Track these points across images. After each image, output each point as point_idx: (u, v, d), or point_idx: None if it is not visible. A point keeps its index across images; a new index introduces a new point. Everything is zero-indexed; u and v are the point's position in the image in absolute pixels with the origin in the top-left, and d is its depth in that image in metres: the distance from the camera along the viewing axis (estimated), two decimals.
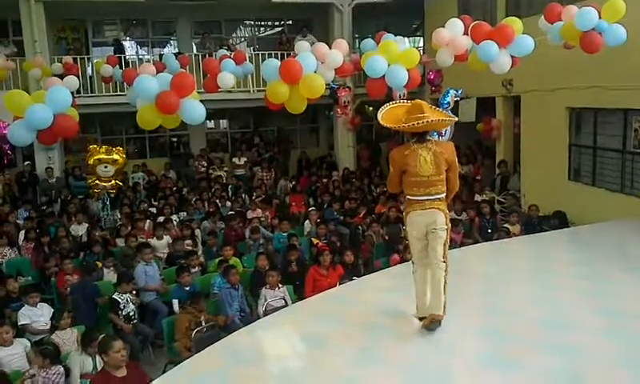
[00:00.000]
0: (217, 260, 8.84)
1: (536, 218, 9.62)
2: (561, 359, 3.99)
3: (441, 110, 4.61)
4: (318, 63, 7.27)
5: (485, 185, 12.35)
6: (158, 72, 8.06)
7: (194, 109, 6.07)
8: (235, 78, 9.07)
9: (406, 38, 8.86)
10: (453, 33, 8.00)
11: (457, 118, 4.51)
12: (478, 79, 9.48)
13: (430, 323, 4.40)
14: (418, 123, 4.16)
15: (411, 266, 4.70)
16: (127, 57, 15.80)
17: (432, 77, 11.70)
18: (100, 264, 8.61)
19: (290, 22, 18.47)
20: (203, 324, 6.66)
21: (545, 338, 4.32)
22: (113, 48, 15.45)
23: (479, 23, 7.60)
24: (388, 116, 4.38)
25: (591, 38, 7.24)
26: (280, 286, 7.55)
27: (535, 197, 11.09)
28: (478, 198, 11.49)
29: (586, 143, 10.11)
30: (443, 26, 8.29)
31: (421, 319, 4.61)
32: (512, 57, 7.54)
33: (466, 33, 8.12)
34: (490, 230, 9.67)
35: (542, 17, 8.03)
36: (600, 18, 7.11)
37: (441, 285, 4.36)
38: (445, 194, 4.42)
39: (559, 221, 9.12)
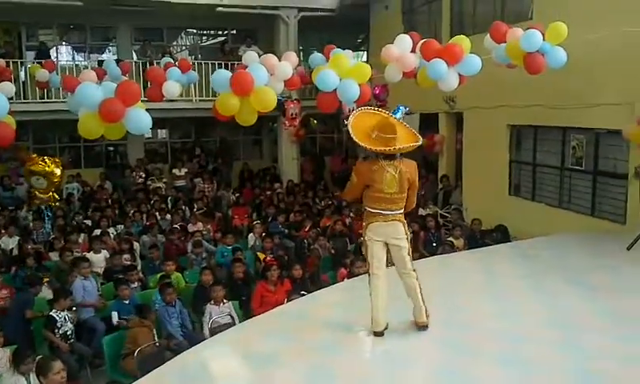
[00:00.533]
0: (158, 275, 8.51)
1: (479, 232, 9.79)
2: (517, 371, 4.01)
3: (407, 126, 4.57)
4: (268, 76, 7.13)
5: (428, 199, 12.51)
6: (98, 79, 7.73)
7: (139, 118, 5.79)
8: (180, 87, 8.80)
9: (350, 52, 8.84)
10: (401, 49, 8.05)
11: (421, 141, 4.49)
12: (421, 95, 9.59)
13: (419, 329, 4.55)
14: (388, 149, 4.20)
15: (367, 277, 4.63)
16: (62, 62, 15.22)
17: (378, 92, 11.79)
18: (46, 278, 8.13)
19: (234, 32, 18.28)
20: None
21: (499, 350, 4.34)
22: (36, 52, 14.84)
23: (429, 40, 7.66)
24: (357, 128, 4.33)
25: (534, 59, 7.43)
26: (225, 301, 7.34)
27: (477, 211, 11.31)
28: (421, 212, 11.60)
29: (526, 160, 10.40)
30: (388, 41, 8.34)
31: (376, 334, 4.57)
32: (459, 75, 7.65)
33: (414, 50, 8.21)
34: (434, 244, 9.76)
35: (488, 36, 8.19)
36: (544, 39, 7.31)
37: (418, 293, 4.46)
38: (402, 210, 4.44)
39: (501, 234, 9.30)
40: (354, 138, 4.29)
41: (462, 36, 7.77)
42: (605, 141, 8.68)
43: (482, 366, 4.10)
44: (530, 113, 9.66)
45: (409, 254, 4.47)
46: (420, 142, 4.42)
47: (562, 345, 4.37)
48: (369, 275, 4.61)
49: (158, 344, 6.38)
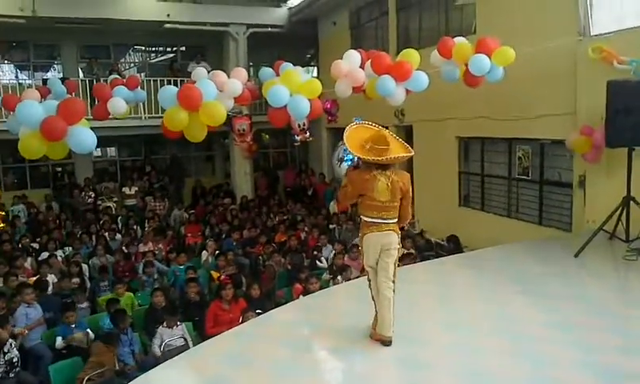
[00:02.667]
0: (106, 297, 8.26)
1: (434, 243, 9.91)
2: None
3: (399, 140, 4.65)
4: (217, 91, 7.07)
5: None
6: (42, 97, 7.51)
7: (83, 136, 5.64)
8: (127, 105, 8.64)
9: (300, 68, 8.88)
10: (350, 65, 8.13)
11: (412, 152, 4.63)
12: (371, 109, 9.66)
13: (382, 344, 4.55)
14: (380, 159, 4.34)
15: (369, 285, 4.74)
16: (5, 81, 14.71)
17: (328, 106, 11.84)
18: None
19: (183, 49, 18.11)
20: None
21: (455, 363, 4.35)
22: None
23: (379, 54, 7.75)
24: (352, 140, 4.47)
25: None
26: (178, 323, 7.18)
27: (428, 222, 11.49)
28: None
29: (475, 171, 10.62)
30: (337, 57, 8.41)
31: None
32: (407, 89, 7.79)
33: (362, 65, 8.31)
34: None
35: (435, 51, 8.36)
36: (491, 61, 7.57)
37: (390, 306, 4.48)
38: (397, 220, 4.55)
39: (454, 245, 9.44)
40: (348, 148, 4.46)
41: (411, 50, 7.90)
42: (550, 151, 8.95)
43: (439, 381, 4.11)
44: (478, 125, 9.89)
45: (395, 263, 4.58)
46: (411, 154, 4.58)
47: (515, 354, 4.43)
48: (368, 280, 4.75)
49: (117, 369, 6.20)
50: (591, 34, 7.92)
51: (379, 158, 4.35)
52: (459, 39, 8.22)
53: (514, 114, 9.00)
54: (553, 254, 7.26)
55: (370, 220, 4.51)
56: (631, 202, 6.88)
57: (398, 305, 4.61)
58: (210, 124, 6.56)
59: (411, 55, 7.72)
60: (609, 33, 7.69)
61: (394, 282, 4.54)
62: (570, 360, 4.26)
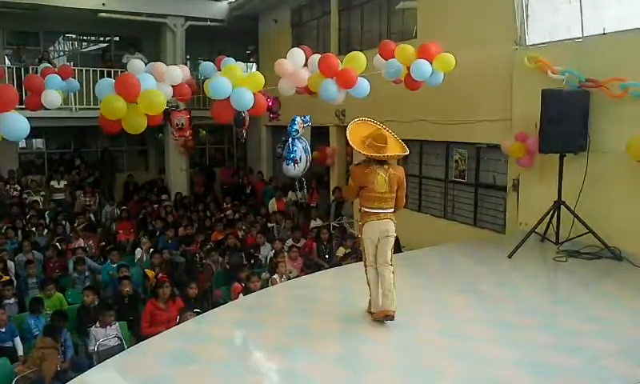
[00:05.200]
0: (33, 297, 7.86)
1: None
2: (412, 383, 4.08)
3: (396, 138, 5.02)
4: (155, 81, 6.87)
5: (321, 211, 12.62)
6: None
7: (16, 123, 5.31)
8: (60, 97, 8.25)
9: (241, 63, 8.77)
10: (295, 64, 8.09)
11: (408, 151, 5.06)
12: (312, 108, 9.70)
13: (385, 318, 4.91)
14: (378, 155, 4.78)
15: (365, 269, 5.11)
16: None
17: (270, 103, 11.76)
18: None
19: (117, 39, 17.52)
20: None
21: (398, 363, 4.40)
22: None
23: (329, 57, 7.72)
24: (354, 136, 4.90)
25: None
26: (112, 323, 6.93)
27: None
28: (313, 224, 11.69)
29: (413, 172, 10.79)
30: (278, 54, 8.35)
31: (371, 314, 5.08)
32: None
33: (306, 63, 8.28)
34: (327, 256, 9.86)
35: (377, 54, 8.45)
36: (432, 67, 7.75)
37: (391, 284, 4.89)
38: (393, 209, 4.98)
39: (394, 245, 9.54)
40: (350, 143, 4.88)
41: (358, 54, 7.92)
42: (485, 155, 9.22)
43: (378, 378, 4.14)
44: (416, 127, 10.06)
45: (391, 249, 5.00)
46: (407, 153, 5.06)
47: (453, 353, 4.52)
48: (365, 267, 5.13)
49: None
50: (527, 43, 8.22)
51: (377, 155, 4.78)
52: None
53: (452, 118, 9.23)
54: (487, 255, 7.49)
55: (370, 210, 4.91)
56: (562, 206, 7.19)
57: (337, 303, 4.90)
58: (149, 112, 6.33)
59: (357, 59, 7.73)
60: (543, 43, 8.01)
61: (392, 264, 4.97)
62: (504, 358, 4.39)
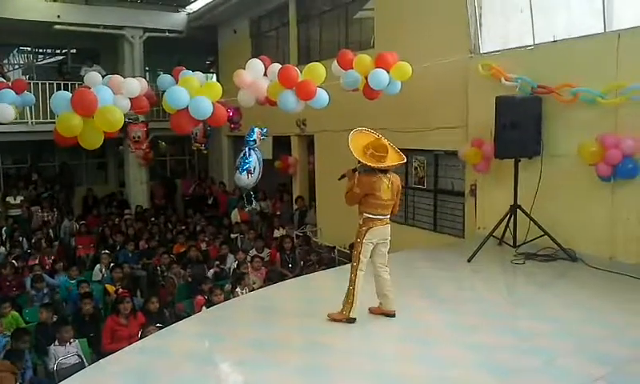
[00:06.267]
0: None
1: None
2: None
3: (394, 148, 5.24)
4: (113, 95, 6.77)
5: (284, 220, 12.62)
6: None
7: None
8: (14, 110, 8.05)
9: (200, 74, 8.72)
10: (254, 74, 8.10)
11: (405, 159, 5.31)
12: (274, 118, 9.72)
13: (387, 316, 5.30)
14: (379, 165, 5.01)
15: (357, 273, 5.18)
16: None
17: (231, 114, 11.72)
18: None
19: (74, 51, 17.22)
20: None
21: (359, 369, 4.43)
22: None
23: (289, 69, 7.74)
24: (356, 145, 5.11)
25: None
26: (72, 340, 6.79)
27: (330, 231, 11.67)
28: (277, 233, 11.68)
29: None
30: (237, 65, 8.35)
31: (350, 320, 5.18)
32: None
33: (266, 73, 8.30)
34: (290, 265, 9.86)
35: (335, 62, 8.52)
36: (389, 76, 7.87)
37: (391, 285, 5.27)
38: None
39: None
40: (354, 153, 5.07)
41: (317, 65, 7.97)
42: (443, 161, 9.38)
43: None
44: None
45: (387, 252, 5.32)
46: (404, 161, 5.30)
47: (415, 357, 4.58)
48: (353, 271, 5.21)
49: None
50: (481, 51, 8.41)
51: (379, 165, 5.01)
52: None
53: (411, 126, 9.35)
54: (447, 259, 7.59)
55: (374, 216, 5.13)
56: (518, 210, 7.36)
57: (299, 314, 5.12)
58: (106, 130, 6.25)
59: (317, 70, 7.78)
60: (496, 51, 8.21)
61: (387, 266, 5.29)
62: (466, 360, 4.48)
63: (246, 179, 7.60)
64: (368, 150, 5.05)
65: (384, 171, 5.11)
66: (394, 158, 5.16)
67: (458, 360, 4.49)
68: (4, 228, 13.08)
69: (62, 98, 6.10)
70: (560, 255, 7.02)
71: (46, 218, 13.86)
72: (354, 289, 5.17)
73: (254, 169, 7.56)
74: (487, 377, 4.21)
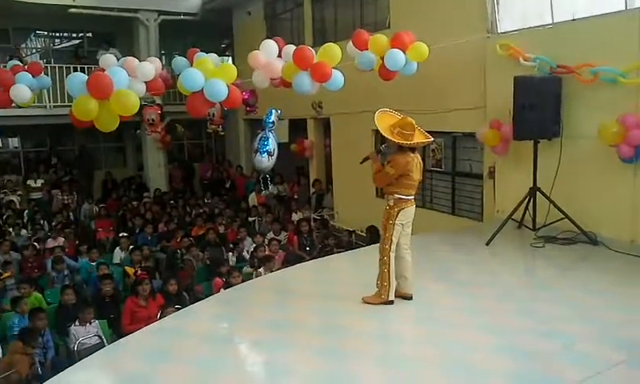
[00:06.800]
0: (10, 298, 7.76)
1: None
2: (395, 371, 4.11)
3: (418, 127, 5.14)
4: (128, 78, 6.78)
5: (301, 203, 12.62)
6: None
7: None
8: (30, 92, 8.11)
9: (215, 56, 8.69)
10: (268, 55, 8.06)
11: (432, 139, 5.35)
12: (289, 101, 9.69)
13: (404, 299, 5.29)
14: (407, 142, 4.95)
15: (389, 255, 5.14)
16: None
17: (246, 96, 11.70)
18: None
19: (90, 35, 17.29)
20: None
21: (377, 352, 4.43)
22: None
23: (304, 50, 7.66)
24: (383, 123, 5.07)
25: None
26: (92, 320, 6.89)
27: (347, 213, 11.66)
28: (294, 217, 11.69)
29: None
30: (252, 47, 8.31)
31: (388, 303, 5.17)
32: None
33: (280, 55, 8.25)
34: (307, 248, 9.87)
35: (350, 43, 8.44)
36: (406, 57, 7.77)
37: (411, 266, 5.31)
38: None
39: (372, 235, 9.60)
40: (381, 131, 5.05)
41: (332, 45, 7.89)
42: (461, 143, 9.30)
43: (360, 369, 4.17)
44: None
45: None
46: (432, 140, 5.37)
47: (433, 340, 4.56)
48: (385, 253, 5.15)
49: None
50: (498, 31, 8.28)
51: (407, 142, 4.96)
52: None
53: (428, 108, 9.22)
54: (466, 243, 7.54)
55: (405, 197, 5.12)
56: (537, 192, 7.27)
57: (317, 296, 5.14)
58: (121, 113, 6.26)
59: (332, 51, 7.69)
60: (514, 31, 8.07)
61: (409, 248, 5.31)
62: (485, 344, 4.44)
63: (267, 161, 7.62)
64: (395, 129, 5.02)
65: (413, 151, 5.11)
66: (420, 137, 5.14)
67: (475, 343, 4.46)
68: (26, 211, 13.27)
69: (77, 81, 6.11)
70: (581, 238, 6.91)
71: (66, 201, 14.03)
72: (388, 271, 5.16)
73: (274, 150, 7.57)
74: (505, 360, 4.18)
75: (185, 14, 16.07)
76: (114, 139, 17.33)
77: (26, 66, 8.79)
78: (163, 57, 16.19)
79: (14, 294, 7.99)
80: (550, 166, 7.18)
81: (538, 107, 6.96)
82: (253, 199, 13.51)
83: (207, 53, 8.47)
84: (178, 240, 10.39)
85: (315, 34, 12.85)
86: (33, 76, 8.20)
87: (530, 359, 4.18)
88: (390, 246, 5.16)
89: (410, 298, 5.31)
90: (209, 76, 6.84)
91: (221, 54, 17.85)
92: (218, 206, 13.53)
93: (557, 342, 4.43)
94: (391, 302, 5.18)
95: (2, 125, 11.53)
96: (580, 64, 6.87)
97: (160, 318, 6.41)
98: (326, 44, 8.07)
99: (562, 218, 7.09)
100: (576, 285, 5.79)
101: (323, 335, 4.75)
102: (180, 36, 16.85)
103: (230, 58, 17.41)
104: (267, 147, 7.50)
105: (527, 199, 7.36)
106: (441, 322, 4.92)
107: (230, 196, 15.09)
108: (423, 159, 9.68)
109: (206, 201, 14.34)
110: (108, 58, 8.38)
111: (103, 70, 7.08)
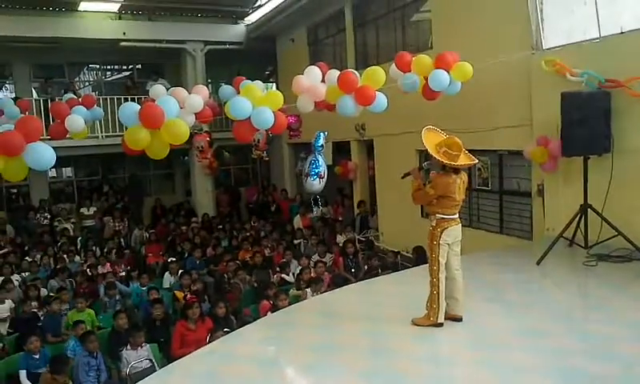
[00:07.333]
0: (71, 316, 8.02)
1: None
2: None
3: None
4: (178, 108, 6.97)
5: (346, 225, 12.64)
6: None
7: (41, 152, 5.43)
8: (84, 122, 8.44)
9: (260, 83, 8.86)
10: (311, 80, 8.15)
11: (476, 161, 5.28)
12: (332, 124, 9.76)
13: (454, 320, 5.22)
14: (453, 163, 4.91)
15: (438, 277, 5.07)
16: None
17: (291, 121, 11.91)
18: None
19: (140, 67, 17.90)
20: None
21: (428, 375, 4.38)
22: None
23: (348, 74, 7.72)
24: (430, 142, 5.03)
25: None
26: (143, 345, 7.03)
27: (392, 235, 11.60)
28: (339, 238, 11.71)
29: None
30: (296, 72, 8.43)
31: (437, 325, 5.11)
32: None
33: (323, 79, 8.34)
34: (353, 269, 9.86)
35: (393, 65, 8.46)
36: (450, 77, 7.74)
37: (462, 287, 5.24)
38: None
39: (418, 256, 9.50)
40: (428, 150, 4.97)
41: (376, 69, 7.93)
42: (507, 161, 9.16)
43: None
44: None
45: None
46: (476, 162, 5.30)
47: (489, 363, 4.46)
48: (434, 274, 5.10)
49: None
50: (543, 47, 8.17)
51: (452, 163, 4.92)
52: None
53: (472, 127, 9.15)
54: (516, 262, 7.39)
55: (448, 216, 5.08)
56: (588, 209, 7.09)
57: (364, 318, 5.09)
58: (172, 142, 6.43)
59: (376, 74, 7.73)
60: (560, 46, 7.95)
61: (460, 269, 5.25)
62: (540, 366, 4.32)
63: (318, 184, 7.70)
64: (441, 148, 4.96)
65: (457, 171, 5.04)
66: (465, 159, 5.06)
67: (529, 366, 4.35)
68: (79, 238, 13.70)
69: (129, 111, 6.30)
70: (635, 256, 6.68)
71: (117, 228, 14.43)
72: (437, 293, 5.09)
73: (324, 173, 7.65)
74: (561, 383, 4.06)
75: (230, 43, 16.48)
76: (164, 166, 17.77)
77: (80, 99, 9.16)
78: (209, 85, 16.61)
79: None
80: (601, 182, 7.00)
81: (587, 122, 6.82)
82: (298, 222, 13.61)
83: (252, 80, 8.64)
84: (225, 264, 10.53)
85: (357, 57, 12.98)
86: (87, 108, 8.53)
87: (587, 383, 4.05)
88: (439, 267, 5.08)
89: (460, 319, 5.22)
90: (256, 104, 6.97)
91: (265, 80, 18.26)
92: (263, 230, 13.67)
93: (616, 364, 4.28)
94: (440, 325, 5.09)
95: (57, 155, 12.05)
96: (630, 77, 6.71)
97: (209, 341, 6.48)
98: (370, 67, 8.11)
99: (615, 235, 6.88)
100: (632, 304, 5.58)
101: (371, 358, 4.72)
102: (225, 64, 17.28)
103: (275, 84, 17.79)
104: (318, 170, 7.58)
105: (578, 216, 7.18)
106: (492, 344, 4.81)
107: (275, 219, 15.23)
108: (469, 178, 9.79)
109: (252, 224, 14.51)
110: (157, 89, 8.66)
111: (153, 101, 7.32)
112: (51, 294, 8.93)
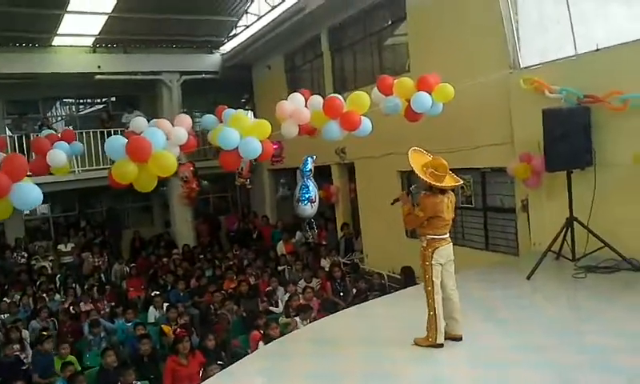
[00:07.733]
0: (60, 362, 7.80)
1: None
2: None
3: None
4: (165, 140, 6.92)
5: (330, 249, 12.59)
6: None
7: (28, 192, 5.34)
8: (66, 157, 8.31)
9: (242, 111, 8.86)
10: (295, 105, 8.19)
11: (460, 182, 5.32)
12: (313, 147, 9.75)
13: (454, 340, 5.20)
14: (438, 184, 4.98)
15: (434, 298, 5.07)
16: None
17: (275, 148, 11.86)
18: None
19: (114, 99, 17.78)
20: None
21: None
22: None
23: (334, 99, 7.78)
24: (416, 163, 5.10)
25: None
26: (134, 382, 6.86)
27: (377, 256, 11.58)
28: (323, 263, 11.65)
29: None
30: (273, 100, 8.49)
31: (437, 346, 5.07)
32: None
33: (306, 105, 8.38)
34: (342, 293, 9.81)
35: (375, 89, 8.54)
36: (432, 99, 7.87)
37: (459, 307, 5.23)
38: None
39: (407, 277, 9.51)
40: (415, 170, 5.06)
41: (360, 93, 7.99)
42: (490, 179, 9.27)
43: None
44: None
45: None
46: (461, 183, 5.36)
47: (488, 381, 4.47)
48: (430, 295, 5.09)
49: None
50: (521, 66, 8.33)
51: (438, 184, 4.99)
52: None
53: (454, 146, 9.20)
54: (503, 279, 7.42)
55: (439, 237, 5.14)
56: (574, 222, 7.18)
57: (359, 343, 5.13)
58: (160, 175, 6.36)
59: (360, 99, 7.80)
60: (537, 65, 8.12)
61: (455, 288, 5.26)
62: (539, 381, 4.34)
63: (310, 209, 7.71)
64: (428, 169, 5.03)
65: (443, 192, 5.08)
66: (450, 180, 5.13)
67: (531, 381, 4.35)
68: (58, 275, 13.40)
69: (116, 144, 6.22)
70: (623, 266, 6.77)
71: (96, 263, 14.15)
72: (434, 314, 5.09)
73: (315, 197, 7.65)
74: None
75: (206, 72, 16.50)
76: (141, 198, 17.49)
77: (60, 134, 9.03)
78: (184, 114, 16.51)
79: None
80: (585, 195, 7.11)
81: (569, 138, 6.95)
82: (281, 248, 13.53)
83: (229, 108, 8.63)
84: (211, 294, 10.37)
85: (335, 82, 13.07)
86: (67, 143, 8.41)
87: None
88: (433, 288, 5.08)
89: (460, 339, 5.21)
90: (244, 134, 6.96)
91: (242, 108, 18.24)
92: (246, 258, 13.55)
93: (617, 377, 4.30)
94: (440, 345, 5.07)
95: None
96: (608, 92, 6.87)
97: (202, 376, 6.35)
98: (354, 92, 8.18)
99: (601, 247, 6.96)
100: (624, 314, 5.63)
101: (368, 380, 4.67)
102: (201, 93, 17.26)
103: (252, 111, 17.78)
104: (309, 194, 7.60)
105: (564, 229, 7.26)
106: (493, 362, 4.80)
107: (257, 247, 15.11)
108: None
109: (234, 253, 14.37)
110: (139, 121, 8.58)
111: (134, 133, 7.24)
112: (44, 333, 8.65)
